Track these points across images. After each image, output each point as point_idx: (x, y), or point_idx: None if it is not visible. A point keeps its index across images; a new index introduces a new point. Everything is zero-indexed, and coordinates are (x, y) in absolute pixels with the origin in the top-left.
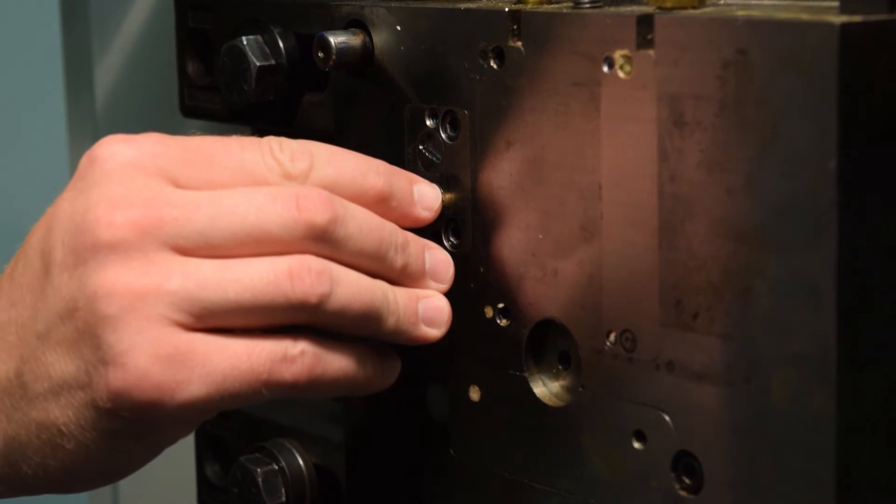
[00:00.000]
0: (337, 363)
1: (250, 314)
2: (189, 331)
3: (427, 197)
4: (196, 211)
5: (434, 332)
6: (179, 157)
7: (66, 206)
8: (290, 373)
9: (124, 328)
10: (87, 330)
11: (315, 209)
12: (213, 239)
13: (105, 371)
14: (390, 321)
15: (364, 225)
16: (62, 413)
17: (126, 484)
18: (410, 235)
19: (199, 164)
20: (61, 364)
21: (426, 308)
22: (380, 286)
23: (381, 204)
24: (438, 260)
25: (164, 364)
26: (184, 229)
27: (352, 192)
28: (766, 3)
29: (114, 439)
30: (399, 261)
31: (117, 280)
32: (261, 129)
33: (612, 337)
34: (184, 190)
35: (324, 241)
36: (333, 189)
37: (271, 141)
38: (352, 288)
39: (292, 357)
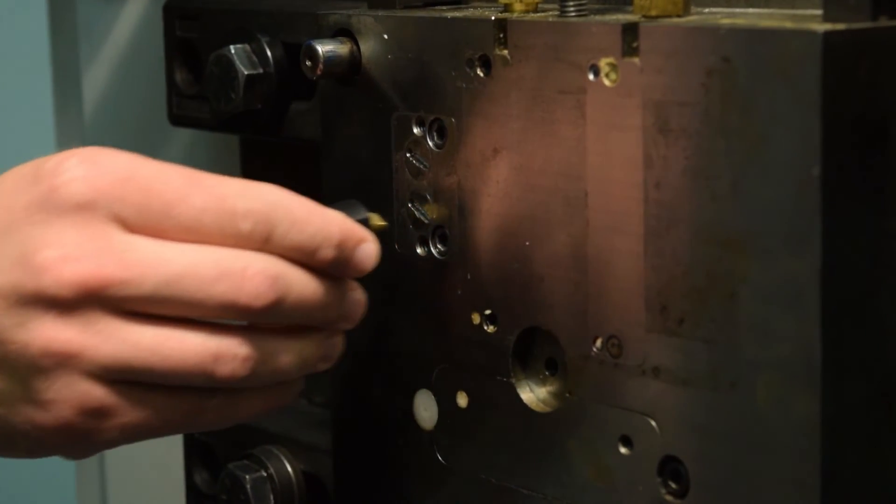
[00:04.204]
0: (249, 406)
1: (173, 381)
2: (113, 384)
3: (364, 262)
4: (142, 276)
5: (326, 366)
6: (136, 204)
7: (21, 228)
8: (204, 421)
9: (54, 379)
10: (15, 364)
11: (257, 294)
12: (154, 305)
13: (29, 408)
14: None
15: (302, 297)
16: None
17: (114, 491)
18: (336, 288)
19: (154, 215)
20: None
21: (327, 349)
22: (294, 359)
23: (324, 267)
24: (354, 303)
25: (86, 416)
26: (128, 293)
27: (301, 260)
28: (750, 11)
29: (30, 448)
30: (322, 319)
31: (55, 338)
32: (249, 137)
33: (599, 343)
34: (134, 239)
35: (259, 318)
36: (286, 257)
37: (237, 205)
38: (274, 367)
39: (206, 408)
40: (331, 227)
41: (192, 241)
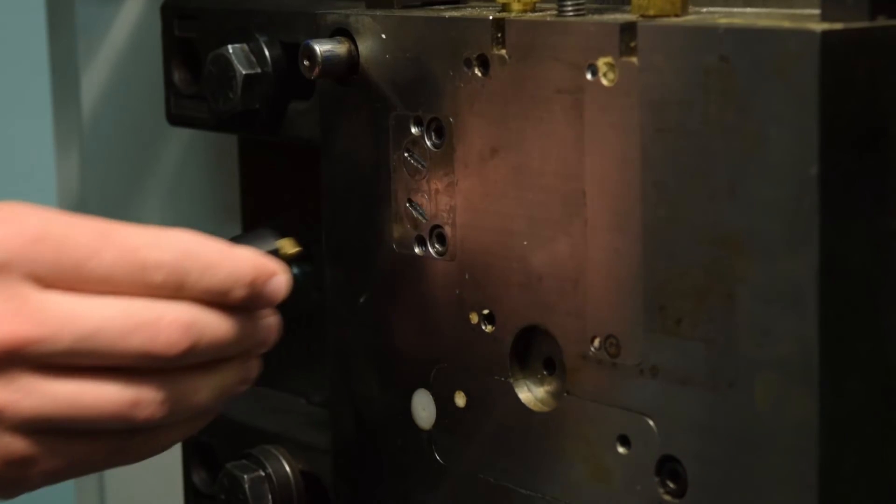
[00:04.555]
0: (169, 438)
1: (93, 428)
2: (35, 435)
3: (275, 295)
4: (58, 334)
5: (244, 389)
6: (50, 261)
7: None
8: (126, 458)
9: None
10: None
11: (171, 343)
12: (72, 359)
13: None
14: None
15: (216, 338)
16: None
17: (112, 491)
18: (249, 320)
19: (68, 271)
20: None
21: (245, 374)
22: (211, 393)
23: (237, 304)
24: (268, 329)
25: (9, 466)
26: (45, 350)
27: (214, 302)
28: (748, 10)
29: None
30: (237, 351)
31: None
32: (247, 137)
33: (597, 342)
34: (50, 296)
35: (175, 363)
36: (200, 300)
37: (148, 257)
38: (192, 403)
39: (127, 447)
40: (241, 268)
41: (108, 293)
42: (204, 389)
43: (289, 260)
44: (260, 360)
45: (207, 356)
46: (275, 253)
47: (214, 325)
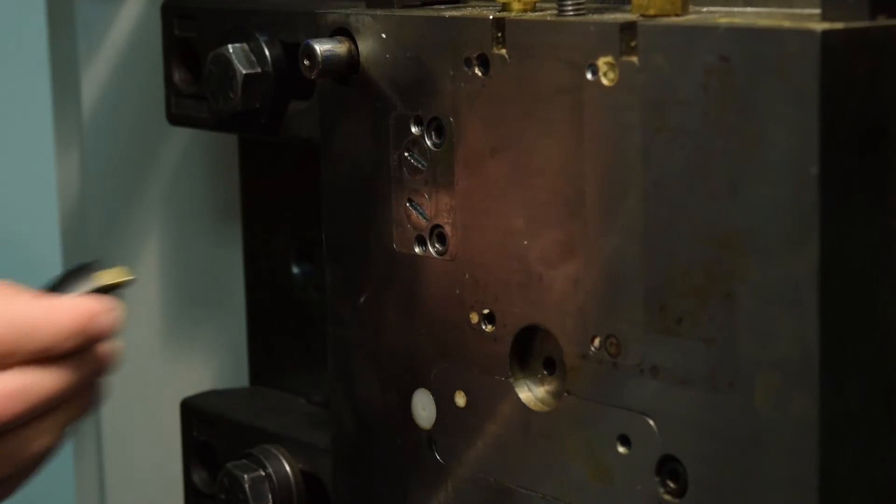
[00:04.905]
0: (11, 488)
1: None
2: None
3: (104, 332)
4: None
5: (90, 414)
6: None
7: None
8: None
9: None
10: None
11: (2, 412)
12: None
13: None
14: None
15: (50, 392)
16: None
17: (113, 491)
18: (84, 360)
19: None
20: None
21: (87, 403)
22: (52, 435)
23: (67, 353)
24: (105, 359)
25: None
26: None
27: (45, 357)
28: (748, 10)
29: None
30: (76, 390)
31: None
32: (247, 137)
33: (597, 342)
34: None
35: (13, 425)
36: (31, 361)
37: None
38: (35, 450)
39: None
40: (65, 322)
41: None
42: (44, 435)
43: (115, 289)
44: (103, 383)
45: (44, 409)
46: (101, 289)
47: (47, 381)
